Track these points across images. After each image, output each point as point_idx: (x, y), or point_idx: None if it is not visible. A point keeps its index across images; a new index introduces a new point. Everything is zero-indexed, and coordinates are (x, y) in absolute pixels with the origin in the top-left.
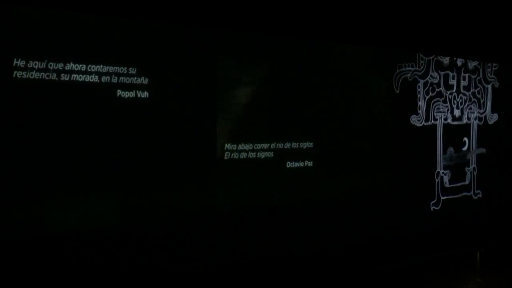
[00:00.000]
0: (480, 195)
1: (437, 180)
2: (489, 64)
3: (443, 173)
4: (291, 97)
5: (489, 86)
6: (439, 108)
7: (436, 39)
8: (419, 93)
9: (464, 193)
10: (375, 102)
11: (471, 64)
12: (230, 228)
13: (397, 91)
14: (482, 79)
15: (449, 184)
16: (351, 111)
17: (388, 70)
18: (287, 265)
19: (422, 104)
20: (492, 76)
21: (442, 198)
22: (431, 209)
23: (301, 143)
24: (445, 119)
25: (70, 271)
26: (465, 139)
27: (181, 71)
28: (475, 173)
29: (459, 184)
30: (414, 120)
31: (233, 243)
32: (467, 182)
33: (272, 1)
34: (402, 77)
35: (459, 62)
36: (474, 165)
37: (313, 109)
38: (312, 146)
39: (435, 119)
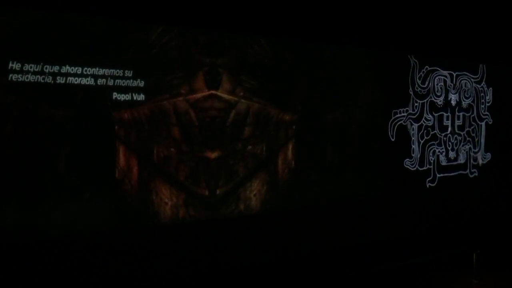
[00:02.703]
0: (476, 174)
1: (433, 159)
2: (483, 100)
3: (439, 151)
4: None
5: (483, 124)
6: (434, 151)
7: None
8: (413, 136)
9: (460, 172)
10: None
11: (465, 102)
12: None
13: (393, 140)
14: (476, 117)
15: (446, 162)
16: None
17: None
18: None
19: (416, 148)
20: (486, 112)
21: (438, 175)
22: (427, 185)
23: None
24: (440, 162)
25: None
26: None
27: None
28: (471, 153)
29: (455, 163)
30: (408, 164)
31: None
32: (463, 161)
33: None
34: (398, 123)
35: (453, 101)
36: (470, 145)
37: None
38: None
39: (430, 164)
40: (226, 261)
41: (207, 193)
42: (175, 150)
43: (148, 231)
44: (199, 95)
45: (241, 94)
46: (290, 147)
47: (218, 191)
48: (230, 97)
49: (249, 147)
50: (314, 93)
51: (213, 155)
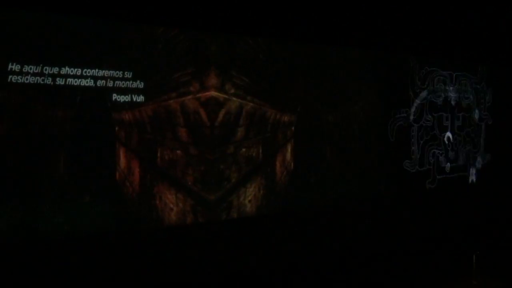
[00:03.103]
0: (476, 175)
1: (433, 160)
2: (482, 100)
3: (439, 153)
4: None
5: (483, 124)
6: (433, 152)
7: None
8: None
9: (460, 173)
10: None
11: (465, 103)
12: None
13: (392, 140)
14: (475, 117)
15: (445, 163)
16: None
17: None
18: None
19: (415, 149)
20: (486, 113)
21: (437, 177)
22: (427, 187)
23: None
24: (440, 163)
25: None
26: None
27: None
28: (470, 154)
29: (454, 164)
30: (408, 166)
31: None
32: (462, 163)
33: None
34: (397, 124)
35: (453, 102)
36: (469, 147)
37: None
38: None
39: (430, 165)
40: (227, 265)
41: (212, 197)
42: (181, 152)
43: (148, 234)
44: (201, 95)
45: (241, 93)
46: (289, 148)
47: (213, 196)
48: (228, 96)
49: (243, 149)
50: (313, 94)
51: (212, 156)
